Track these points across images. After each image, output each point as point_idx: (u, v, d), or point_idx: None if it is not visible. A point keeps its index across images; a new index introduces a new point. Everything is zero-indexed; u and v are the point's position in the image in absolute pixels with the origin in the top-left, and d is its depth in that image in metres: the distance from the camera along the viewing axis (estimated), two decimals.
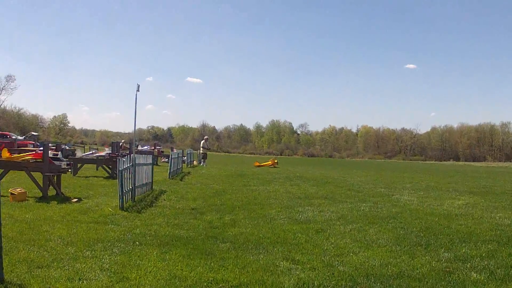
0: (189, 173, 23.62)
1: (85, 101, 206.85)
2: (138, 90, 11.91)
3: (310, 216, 10.17)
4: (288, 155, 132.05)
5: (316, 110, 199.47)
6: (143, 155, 13.95)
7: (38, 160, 12.95)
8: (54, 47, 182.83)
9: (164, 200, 12.65)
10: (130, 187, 11.84)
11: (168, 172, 19.89)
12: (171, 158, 20.34)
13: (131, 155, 12.21)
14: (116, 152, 21.03)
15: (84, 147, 56.11)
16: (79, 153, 22.46)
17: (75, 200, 12.39)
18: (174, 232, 8.16)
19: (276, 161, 39.29)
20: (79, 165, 20.56)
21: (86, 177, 19.32)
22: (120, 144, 31.02)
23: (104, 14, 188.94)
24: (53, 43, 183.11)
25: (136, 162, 12.45)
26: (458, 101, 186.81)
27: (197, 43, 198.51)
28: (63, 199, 12.41)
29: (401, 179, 24.54)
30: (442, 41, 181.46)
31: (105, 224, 8.82)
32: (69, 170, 13.87)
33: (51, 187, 12.94)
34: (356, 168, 41.15)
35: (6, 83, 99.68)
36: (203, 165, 33.21)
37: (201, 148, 35.23)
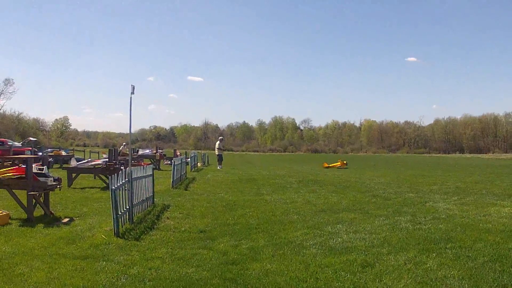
0: (193, 179, 21.79)
1: (87, 103, 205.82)
2: (133, 93, 10.17)
3: (346, 240, 8.30)
4: (292, 152, 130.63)
5: (318, 106, 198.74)
6: (141, 167, 12.12)
7: (22, 176, 11.23)
8: (53, 49, 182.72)
9: (167, 219, 10.87)
10: (127, 207, 10.09)
11: (171, 180, 18.08)
12: (174, 165, 18.44)
13: (127, 168, 10.42)
14: (114, 159, 19.26)
15: (84, 151, 54.19)
16: (73, 162, 20.45)
17: (66, 220, 10.80)
18: (181, 272, 6.41)
19: (345, 162, 37.83)
20: (74, 175, 18.79)
21: (82, 188, 17.60)
22: (119, 149, 29.32)
23: (103, 14, 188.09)
24: (52, 44, 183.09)
25: (133, 177, 10.69)
26: (460, 93, 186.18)
27: (197, 41, 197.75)
28: (51, 220, 10.79)
29: (422, 178, 22.77)
30: (442, 34, 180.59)
31: (95, 260, 7.09)
32: (58, 187, 12.09)
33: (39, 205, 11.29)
34: (367, 166, 39.11)
35: (5, 87, 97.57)
36: (220, 167, 31.52)
37: (217, 150, 33.43)
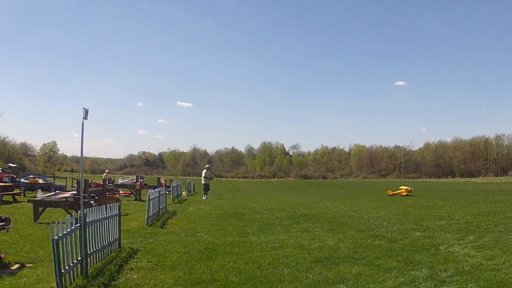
0: (174, 213, 19.69)
1: (77, 128, 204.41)
2: (85, 118, 8.34)
3: None
4: (281, 177, 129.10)
5: (307, 131, 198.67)
6: (102, 207, 10.01)
7: None
8: (43, 74, 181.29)
9: (132, 270, 8.90)
10: (79, 258, 8.12)
11: (146, 216, 15.92)
12: (149, 199, 16.18)
13: (78, 211, 8.50)
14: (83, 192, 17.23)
15: (66, 178, 51.73)
16: (39, 194, 18.34)
17: (16, 267, 9.15)
18: None
19: (410, 189, 36.14)
20: (40, 208, 16.74)
21: (48, 223, 15.57)
22: (103, 176, 27.36)
23: (92, 40, 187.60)
24: (42, 70, 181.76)
25: (88, 220, 8.74)
26: (450, 116, 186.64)
27: (187, 67, 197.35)
28: None
29: (425, 211, 20.86)
30: (431, 57, 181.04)
31: None
32: (6, 228, 10.21)
33: None
34: (360, 194, 37.10)
35: None
36: (205, 197, 29.50)
37: (203, 179, 31.21)
